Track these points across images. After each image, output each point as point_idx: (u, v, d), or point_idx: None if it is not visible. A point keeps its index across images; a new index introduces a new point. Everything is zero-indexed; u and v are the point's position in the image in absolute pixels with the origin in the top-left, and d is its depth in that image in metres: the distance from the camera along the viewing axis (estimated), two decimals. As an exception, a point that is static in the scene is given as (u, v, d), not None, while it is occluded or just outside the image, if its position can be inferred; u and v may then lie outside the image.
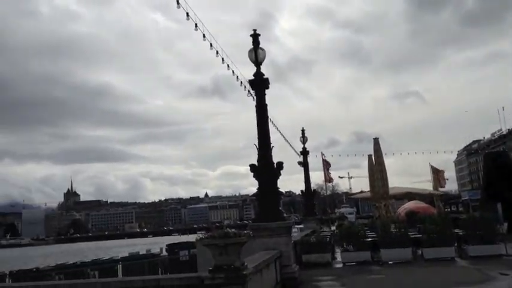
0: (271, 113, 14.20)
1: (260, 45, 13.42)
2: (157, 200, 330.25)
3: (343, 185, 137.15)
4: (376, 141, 26.67)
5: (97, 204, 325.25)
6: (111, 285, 8.59)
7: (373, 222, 26.00)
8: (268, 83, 13.49)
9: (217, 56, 14.05)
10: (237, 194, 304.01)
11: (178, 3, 11.62)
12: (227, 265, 6.62)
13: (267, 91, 13.46)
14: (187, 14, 12.19)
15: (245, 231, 7.08)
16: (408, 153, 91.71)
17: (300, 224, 36.51)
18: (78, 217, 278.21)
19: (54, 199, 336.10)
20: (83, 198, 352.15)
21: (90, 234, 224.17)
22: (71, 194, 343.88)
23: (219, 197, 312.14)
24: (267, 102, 13.43)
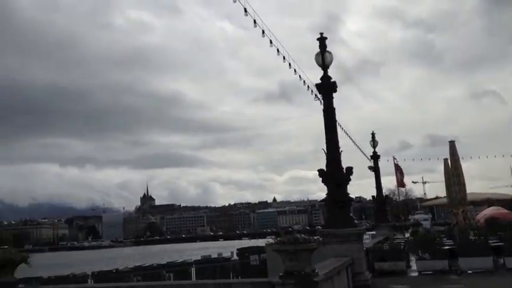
0: (339, 116, 14.02)
1: (327, 49, 13.32)
2: (226, 204, 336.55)
3: (416, 191, 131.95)
4: (452, 144, 25.35)
5: (171, 208, 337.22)
6: (185, 287, 8.89)
7: (450, 229, 24.72)
8: (336, 87, 13.34)
9: (284, 61, 14.10)
10: (305, 199, 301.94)
11: (246, 11, 11.81)
12: (297, 271, 6.59)
13: (334, 94, 13.31)
14: (254, 21, 12.35)
15: (315, 237, 7.03)
16: (487, 157, 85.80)
17: (371, 231, 35.56)
18: (153, 220, 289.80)
19: (132, 203, 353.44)
20: (157, 202, 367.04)
21: (168, 237, 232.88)
22: (146, 198, 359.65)
23: (287, 202, 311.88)
24: (334, 105, 13.28)
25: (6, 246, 13.85)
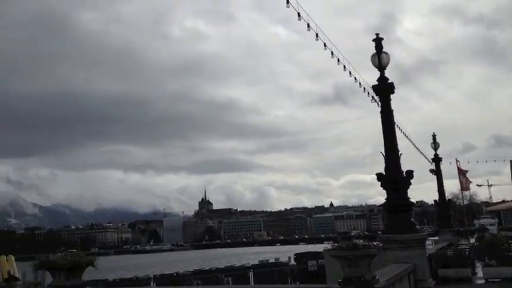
0: (397, 118, 13.67)
1: (383, 49, 13.04)
2: (283, 209, 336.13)
3: (481, 194, 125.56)
4: (519, 144, 23.90)
5: (228, 212, 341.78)
6: (243, 292, 8.96)
7: (520, 234, 23.32)
8: (393, 88, 13.01)
9: (338, 64, 13.94)
10: (363, 204, 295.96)
11: (299, 15, 11.79)
12: (357, 277, 6.47)
13: (392, 96, 12.99)
14: (308, 24, 12.32)
15: (375, 243, 6.87)
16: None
17: (434, 236, 34.24)
18: (211, 224, 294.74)
19: (190, 207, 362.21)
20: (215, 206, 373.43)
21: (223, 241, 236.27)
22: (204, 203, 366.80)
23: (345, 207, 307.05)
24: (392, 107, 12.95)
25: (74, 250, 14.58)
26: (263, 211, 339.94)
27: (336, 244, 6.87)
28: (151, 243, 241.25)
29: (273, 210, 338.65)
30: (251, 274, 22.97)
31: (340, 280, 6.58)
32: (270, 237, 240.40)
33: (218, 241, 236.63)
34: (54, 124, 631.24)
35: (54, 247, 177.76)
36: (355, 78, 14.91)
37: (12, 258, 9.67)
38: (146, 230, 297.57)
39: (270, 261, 29.43)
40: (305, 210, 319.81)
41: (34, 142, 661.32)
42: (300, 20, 12.02)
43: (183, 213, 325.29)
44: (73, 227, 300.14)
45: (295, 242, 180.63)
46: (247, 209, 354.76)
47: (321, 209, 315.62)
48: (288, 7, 11.38)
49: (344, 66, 14.32)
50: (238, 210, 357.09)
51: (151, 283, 23.38)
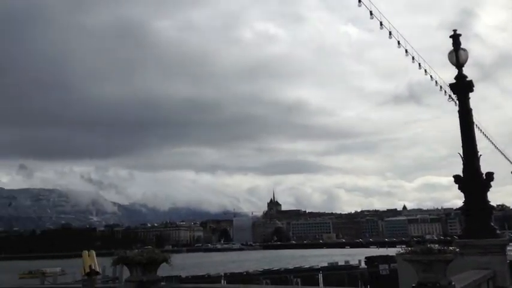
0: (476, 117, 12.95)
1: (461, 46, 12.42)
2: (353, 211, 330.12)
3: None
4: None
5: (296, 214, 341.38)
6: (313, 294, 8.90)
7: None
8: (472, 86, 12.35)
9: (413, 62, 13.41)
10: (439, 207, 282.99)
11: (371, 13, 11.51)
12: (432, 283, 6.26)
13: (470, 94, 12.33)
14: (380, 23, 11.98)
15: (451, 248, 6.59)
16: None
17: (516, 242, 31.93)
18: (280, 225, 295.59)
19: (259, 208, 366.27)
20: (283, 207, 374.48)
21: (293, 242, 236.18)
22: (273, 204, 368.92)
23: (419, 210, 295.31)
24: (471, 106, 12.30)
25: (149, 247, 15.24)
26: (332, 213, 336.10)
27: (410, 248, 6.67)
28: (222, 242, 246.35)
29: (342, 213, 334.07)
30: (320, 276, 22.79)
31: (414, 285, 6.38)
32: (339, 240, 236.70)
33: (285, 242, 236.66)
34: (132, 127, 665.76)
35: (132, 244, 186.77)
36: (431, 76, 14.29)
37: (94, 253, 10.25)
38: (217, 229, 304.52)
39: (340, 264, 28.99)
40: (376, 213, 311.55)
41: (114, 144, 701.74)
42: (372, 18, 11.72)
43: (252, 213, 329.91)
44: (149, 225, 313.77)
45: (366, 245, 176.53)
46: (316, 211, 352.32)
47: (393, 212, 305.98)
48: (359, 6, 11.15)
49: (419, 64, 13.77)
50: (307, 211, 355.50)
51: (222, 281, 23.92)
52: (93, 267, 9.90)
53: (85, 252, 10.19)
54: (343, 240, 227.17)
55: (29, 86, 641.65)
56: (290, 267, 29.26)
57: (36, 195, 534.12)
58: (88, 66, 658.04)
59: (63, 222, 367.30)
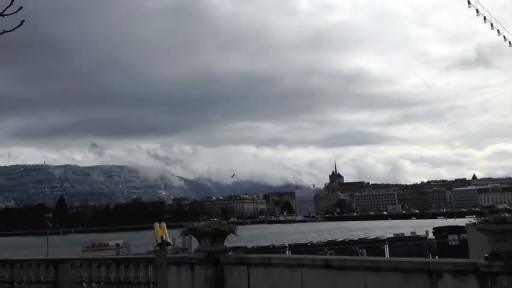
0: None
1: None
2: (419, 182, 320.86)
3: None
4: None
5: (359, 186, 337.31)
6: (379, 264, 8.84)
7: None
8: (550, 44, 11.43)
9: (484, 22, 12.61)
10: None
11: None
12: (505, 253, 6.05)
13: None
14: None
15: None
16: None
17: None
18: (343, 197, 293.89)
19: (321, 180, 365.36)
20: (346, 180, 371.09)
21: (355, 214, 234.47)
22: (335, 176, 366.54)
23: (489, 179, 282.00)
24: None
25: (216, 219, 15.74)
26: (397, 184, 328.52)
27: (482, 218, 6.45)
28: (285, 214, 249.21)
29: (407, 184, 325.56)
30: (386, 247, 22.54)
31: (486, 255, 6.18)
32: (404, 211, 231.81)
33: (350, 214, 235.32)
34: (194, 104, 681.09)
35: (198, 216, 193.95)
36: (504, 36, 13.40)
37: (164, 225, 10.72)
38: (279, 201, 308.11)
39: (406, 235, 28.45)
40: (444, 183, 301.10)
41: (177, 121, 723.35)
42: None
43: (313, 186, 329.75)
44: (214, 198, 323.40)
45: (433, 216, 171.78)
46: (380, 182, 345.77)
47: (462, 181, 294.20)
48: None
49: (491, 25, 12.94)
50: (370, 183, 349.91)
51: (287, 251, 24.33)
52: (165, 238, 10.42)
53: (156, 224, 10.72)
54: (410, 212, 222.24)
55: (98, 67, 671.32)
56: (354, 239, 29.13)
57: (108, 172, 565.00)
58: (150, 45, 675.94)
59: (134, 196, 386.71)
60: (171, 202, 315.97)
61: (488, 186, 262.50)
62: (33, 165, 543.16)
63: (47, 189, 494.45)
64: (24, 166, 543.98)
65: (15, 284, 13.45)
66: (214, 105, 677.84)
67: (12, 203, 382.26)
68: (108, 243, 75.05)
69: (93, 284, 12.71)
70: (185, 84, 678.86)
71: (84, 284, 12.80)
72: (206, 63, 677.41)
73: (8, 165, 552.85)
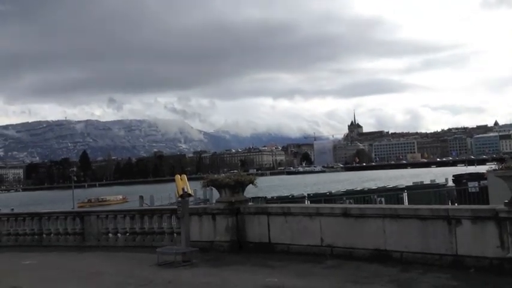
0: None
1: None
2: (439, 130, 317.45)
3: None
4: None
5: (379, 135, 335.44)
6: (398, 212, 8.93)
7: None
8: None
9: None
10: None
11: None
12: (527, 199, 5.98)
13: None
14: None
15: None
16: None
17: None
18: (362, 147, 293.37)
19: (339, 131, 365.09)
20: (365, 129, 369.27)
21: (373, 163, 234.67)
22: (354, 126, 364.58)
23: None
24: None
25: (235, 171, 15.92)
26: (417, 132, 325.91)
27: (503, 164, 6.38)
28: (304, 165, 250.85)
29: (428, 132, 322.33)
30: (405, 195, 22.58)
31: (506, 201, 6.16)
32: (424, 159, 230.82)
33: (369, 163, 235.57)
34: (209, 57, 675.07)
35: (218, 168, 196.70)
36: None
37: (185, 177, 10.92)
38: (298, 152, 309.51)
39: (425, 183, 28.43)
40: (464, 130, 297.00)
41: (193, 74, 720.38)
42: None
43: (332, 136, 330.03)
44: (233, 151, 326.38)
45: (453, 164, 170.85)
46: (399, 131, 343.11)
47: (483, 128, 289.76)
48: None
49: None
50: (390, 132, 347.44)
51: (306, 201, 24.66)
52: (186, 190, 10.65)
53: (177, 177, 10.94)
54: (430, 160, 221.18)
55: (112, 21, 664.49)
56: (373, 187, 29.24)
57: (129, 126, 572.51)
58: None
59: (155, 150, 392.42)
60: (191, 155, 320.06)
61: (511, 132, 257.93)
62: (55, 121, 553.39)
63: (70, 144, 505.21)
64: (46, 122, 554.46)
65: (44, 235, 14.05)
66: (230, 58, 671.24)
67: (37, 158, 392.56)
68: (107, 199, 75.16)
69: (119, 235, 13.21)
70: (200, 36, 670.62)
71: (110, 235, 13.31)
72: (222, 14, 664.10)
73: (30, 121, 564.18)
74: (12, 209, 32.56)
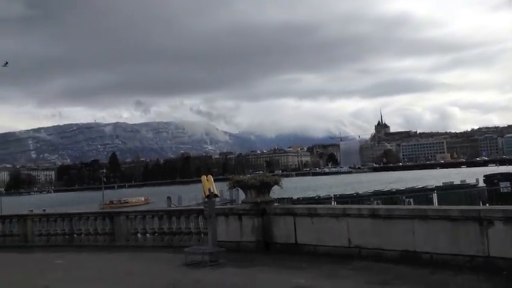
0: None
1: None
2: (469, 129, 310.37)
3: None
4: None
5: (406, 135, 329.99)
6: (427, 213, 8.77)
7: None
8: None
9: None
10: None
11: None
12: None
13: None
14: None
15: None
16: None
17: None
18: (389, 147, 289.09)
19: (366, 131, 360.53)
20: (392, 129, 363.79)
21: (402, 164, 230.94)
22: (381, 126, 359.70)
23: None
24: None
25: (261, 172, 15.96)
26: (446, 132, 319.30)
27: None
28: (330, 165, 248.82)
29: (457, 131, 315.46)
30: (434, 196, 22.20)
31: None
32: (454, 159, 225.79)
33: (397, 164, 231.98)
34: (233, 59, 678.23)
35: (244, 169, 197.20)
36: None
37: (212, 178, 11.01)
38: (324, 153, 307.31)
39: (455, 183, 27.85)
40: (495, 129, 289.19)
41: (218, 77, 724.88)
42: None
43: (359, 136, 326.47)
44: (258, 152, 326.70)
45: (484, 164, 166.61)
46: (428, 131, 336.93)
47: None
48: None
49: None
50: (418, 132, 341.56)
51: (332, 202, 24.51)
52: (212, 190, 10.73)
53: (204, 177, 11.03)
54: (460, 160, 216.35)
55: (138, 25, 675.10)
56: (401, 188, 28.80)
57: (156, 128, 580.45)
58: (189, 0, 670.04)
59: (182, 151, 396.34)
60: (217, 156, 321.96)
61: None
62: (84, 124, 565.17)
63: (99, 146, 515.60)
64: (76, 125, 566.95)
65: (75, 235, 14.37)
66: (254, 59, 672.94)
67: (68, 160, 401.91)
68: (129, 200, 76.36)
69: (147, 235, 13.41)
70: (224, 38, 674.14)
71: (139, 235, 13.53)
72: (245, 15, 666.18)
73: (61, 124, 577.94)
74: (44, 210, 33.44)
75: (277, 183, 11.48)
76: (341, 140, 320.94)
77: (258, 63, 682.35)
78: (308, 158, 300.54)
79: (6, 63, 57.42)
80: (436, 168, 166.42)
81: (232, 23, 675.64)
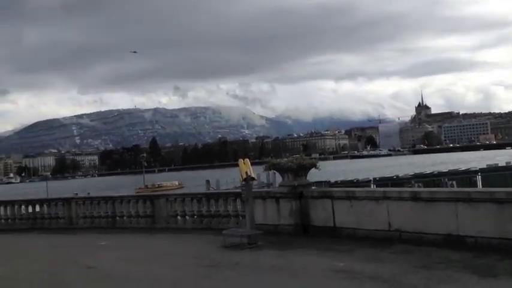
0: None
1: None
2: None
3: None
4: None
5: (448, 116, 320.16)
6: (472, 195, 8.47)
7: None
8: None
9: None
10: None
11: None
12: None
13: None
14: None
15: None
16: None
17: None
18: (430, 129, 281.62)
19: (406, 113, 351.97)
20: (433, 110, 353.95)
21: (444, 146, 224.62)
22: (422, 107, 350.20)
23: None
24: None
25: (298, 155, 15.87)
26: (490, 113, 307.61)
27: None
28: (368, 148, 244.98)
29: (501, 112, 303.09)
30: (478, 178, 21.50)
31: None
32: (498, 141, 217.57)
33: (439, 146, 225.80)
34: (268, 41, 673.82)
35: (281, 153, 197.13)
36: None
37: (248, 161, 11.04)
38: (362, 136, 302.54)
39: (500, 165, 26.85)
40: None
41: (253, 60, 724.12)
42: None
43: (398, 118, 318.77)
44: (295, 135, 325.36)
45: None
46: (471, 112, 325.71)
47: None
48: None
49: None
50: (460, 113, 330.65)
51: (372, 185, 24.14)
52: (249, 174, 10.76)
53: (241, 161, 11.07)
54: (505, 141, 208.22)
55: (174, 11, 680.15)
56: (444, 171, 27.98)
57: (194, 113, 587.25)
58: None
59: (219, 136, 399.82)
60: (254, 140, 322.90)
61: None
62: (125, 110, 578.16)
63: (140, 132, 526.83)
64: (117, 111, 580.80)
65: (117, 218, 14.78)
66: (289, 41, 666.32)
67: (110, 145, 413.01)
68: (163, 185, 77.42)
69: (187, 217, 13.64)
70: (258, 21, 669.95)
71: (179, 217, 13.77)
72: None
73: (102, 110, 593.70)
74: (89, 193, 34.64)
75: (314, 165, 11.37)
76: (380, 123, 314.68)
77: (293, 45, 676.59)
78: (346, 141, 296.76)
79: (135, 52, 59.94)
80: (479, 150, 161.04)
81: (267, 6, 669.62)
